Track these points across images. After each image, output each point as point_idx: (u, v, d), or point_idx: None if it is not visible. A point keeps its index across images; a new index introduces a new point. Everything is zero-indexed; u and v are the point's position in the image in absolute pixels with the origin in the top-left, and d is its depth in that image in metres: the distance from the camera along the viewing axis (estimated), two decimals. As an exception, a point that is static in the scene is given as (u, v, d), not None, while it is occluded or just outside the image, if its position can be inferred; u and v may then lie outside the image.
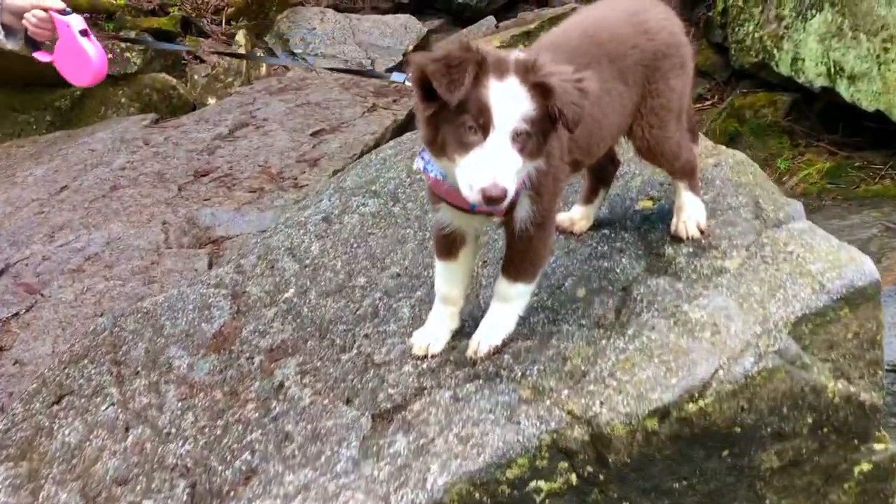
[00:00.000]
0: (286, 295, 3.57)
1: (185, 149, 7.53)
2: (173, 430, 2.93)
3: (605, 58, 2.78)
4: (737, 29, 8.75)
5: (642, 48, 2.85)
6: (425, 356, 2.87)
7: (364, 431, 2.65)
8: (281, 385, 2.99)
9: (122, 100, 8.95)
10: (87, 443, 3.01)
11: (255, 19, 10.25)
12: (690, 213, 3.04)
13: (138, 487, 2.72)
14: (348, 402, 2.82)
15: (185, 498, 2.60)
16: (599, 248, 3.11)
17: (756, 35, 8.43)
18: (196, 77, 9.16)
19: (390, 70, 9.13)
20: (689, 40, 3.00)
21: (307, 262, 3.73)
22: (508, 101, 2.35)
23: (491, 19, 11.29)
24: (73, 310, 5.62)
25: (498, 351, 2.75)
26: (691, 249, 2.96)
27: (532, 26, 9.99)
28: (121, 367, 3.41)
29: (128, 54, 8.90)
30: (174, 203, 6.67)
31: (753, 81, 8.62)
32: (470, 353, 2.78)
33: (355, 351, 3.06)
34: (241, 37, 9.59)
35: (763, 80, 8.44)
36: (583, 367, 2.58)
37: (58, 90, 9.04)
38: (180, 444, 2.84)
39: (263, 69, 8.94)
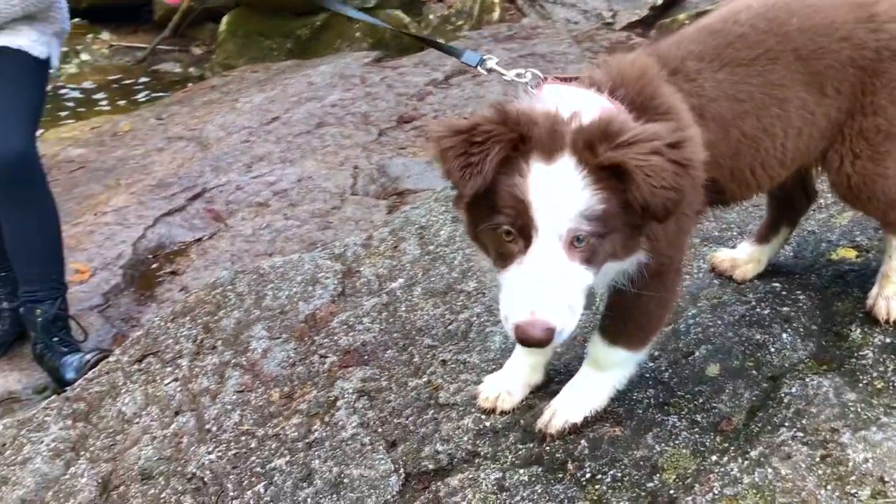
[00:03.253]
0: (393, 285, 3.12)
1: (396, 91, 7.25)
2: (214, 429, 2.60)
3: (790, 53, 1.99)
4: None
5: (859, 43, 2.00)
6: (492, 410, 2.27)
7: (388, 496, 2.13)
8: (334, 402, 2.55)
9: (357, 34, 8.85)
10: (138, 419, 2.77)
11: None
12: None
13: (151, 492, 2.41)
14: (392, 446, 2.31)
15: (179, 522, 2.25)
16: (759, 308, 2.30)
17: None
18: (431, 17, 8.84)
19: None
20: None
21: (430, 248, 3.27)
22: (557, 195, 1.65)
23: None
24: (246, 244, 5.57)
25: (575, 430, 2.09)
26: (889, 341, 2.07)
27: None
28: (207, 335, 3.14)
29: (369, -13, 8.77)
30: (370, 148, 6.42)
31: None
32: (541, 423, 2.14)
33: (426, 378, 2.54)
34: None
35: None
36: (672, 491, 1.85)
37: (301, 19, 9.15)
38: (211, 449, 2.50)
39: (496, 14, 8.41)
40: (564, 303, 1.65)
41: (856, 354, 2.06)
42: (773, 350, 2.14)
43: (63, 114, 8.71)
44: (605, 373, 2.12)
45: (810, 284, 2.36)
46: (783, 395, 2.00)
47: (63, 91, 9.12)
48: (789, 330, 2.18)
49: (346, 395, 2.57)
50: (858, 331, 2.13)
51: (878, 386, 1.96)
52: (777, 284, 2.38)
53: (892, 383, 1.95)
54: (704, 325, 2.30)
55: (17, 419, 2.99)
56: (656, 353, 2.26)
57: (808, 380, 2.01)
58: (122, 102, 8.73)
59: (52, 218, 3.75)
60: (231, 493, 2.31)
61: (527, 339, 1.64)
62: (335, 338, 2.92)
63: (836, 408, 1.91)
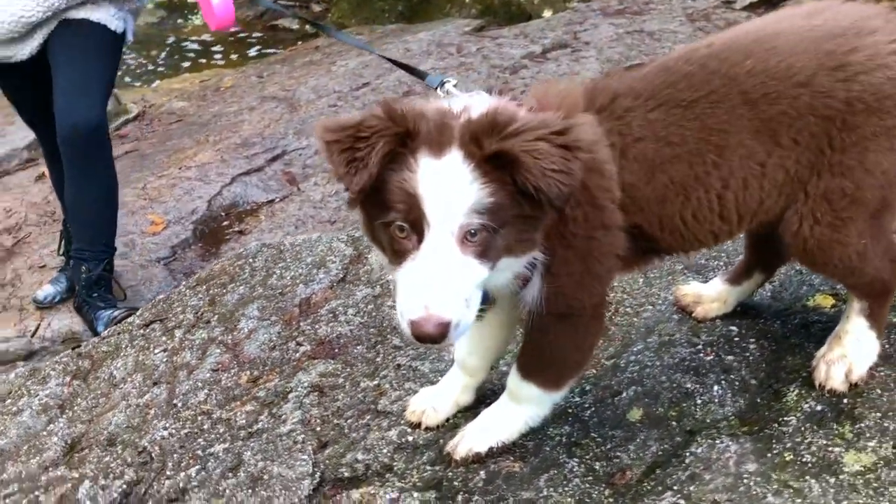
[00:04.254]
0: (390, 277, 3.12)
1: (490, 63, 7.16)
2: (179, 405, 2.71)
3: (737, 96, 1.82)
4: None
5: (822, 90, 1.81)
6: (417, 425, 2.26)
7: (296, 499, 2.17)
8: (287, 394, 2.60)
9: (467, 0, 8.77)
10: (123, 384, 2.93)
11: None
12: (847, 352, 1.96)
13: (106, 459, 2.55)
14: (322, 447, 2.34)
15: (115, 496, 2.37)
16: (704, 354, 2.17)
17: None
18: (542, -13, 8.63)
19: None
20: None
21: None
22: (446, 189, 1.60)
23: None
24: (313, 210, 5.72)
25: (479, 460, 2.05)
26: (820, 408, 1.91)
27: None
28: (209, 308, 3.27)
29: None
30: (452, 121, 6.38)
31: None
32: (449, 447, 2.12)
33: (377, 381, 2.55)
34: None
35: None
36: (536, 544, 1.79)
37: (415, -20, 9.16)
38: (168, 425, 2.61)
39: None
40: (459, 297, 1.62)
41: (781, 419, 1.90)
42: (699, 402, 2.02)
43: (185, 64, 9.13)
44: (520, 407, 2.06)
45: (770, 332, 2.20)
46: (688, 454, 1.88)
47: (185, 43, 9.55)
48: (724, 382, 2.04)
49: (299, 388, 2.61)
50: (795, 392, 1.97)
51: (787, 458, 1.81)
52: (734, 328, 2.22)
53: (801, 458, 1.79)
54: (643, 363, 2.19)
55: (29, 369, 3.23)
56: (587, 388, 2.17)
57: (718, 441, 1.88)
58: (234, 56, 9.04)
59: (112, 187, 3.98)
60: (168, 473, 2.41)
61: (421, 336, 1.61)
62: (317, 326, 2.96)
63: (731, 478, 1.78)
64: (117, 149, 6.77)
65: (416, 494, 2.03)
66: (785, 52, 1.83)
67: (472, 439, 2.08)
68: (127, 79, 8.68)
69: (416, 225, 1.62)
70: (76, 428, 2.75)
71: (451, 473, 2.06)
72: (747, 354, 2.13)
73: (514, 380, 2.04)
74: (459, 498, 1.97)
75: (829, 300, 2.26)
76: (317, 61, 7.75)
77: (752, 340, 2.17)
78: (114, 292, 4.01)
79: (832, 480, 1.72)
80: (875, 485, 1.69)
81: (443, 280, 1.61)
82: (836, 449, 1.79)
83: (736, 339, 2.19)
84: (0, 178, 6.30)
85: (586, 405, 2.12)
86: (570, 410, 2.12)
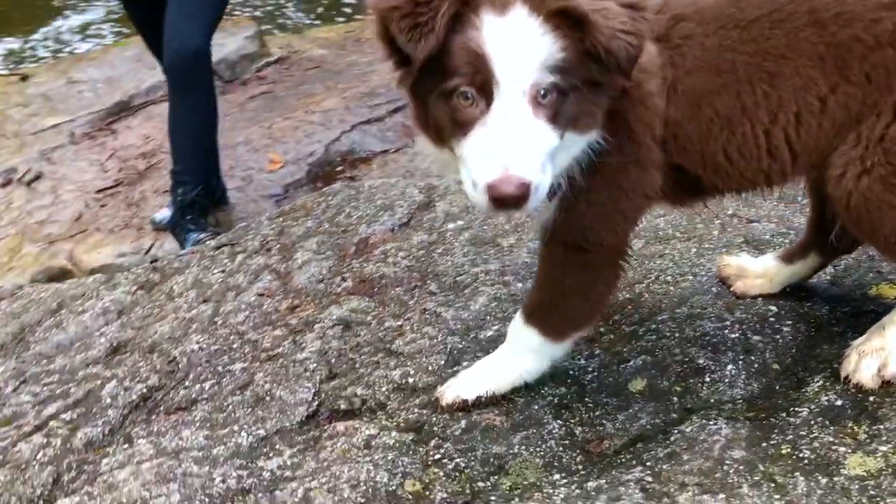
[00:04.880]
0: (450, 226, 3.09)
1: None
2: (218, 322, 2.76)
3: (804, 15, 1.61)
4: None
5: None
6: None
7: (287, 423, 2.15)
8: (314, 324, 2.59)
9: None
10: (178, 298, 3.00)
11: None
12: (888, 345, 1.71)
13: (140, 364, 2.63)
14: (330, 378, 2.31)
15: (134, 398, 2.44)
16: (728, 331, 1.96)
17: None
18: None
19: None
20: None
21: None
22: (516, 45, 1.51)
23: None
24: (424, 163, 5.70)
25: (465, 407, 1.95)
26: (840, 403, 1.67)
27: None
28: (275, 238, 3.31)
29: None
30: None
31: None
32: (438, 391, 2.03)
33: (400, 322, 2.51)
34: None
35: None
36: (493, 498, 1.68)
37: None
38: (201, 339, 2.66)
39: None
40: (536, 159, 1.52)
41: (792, 409, 1.69)
42: (708, 380, 1.82)
43: (347, 10, 9.32)
44: (517, 357, 1.95)
45: (814, 317, 1.95)
46: (676, 431, 1.70)
47: (340, -7, 9.73)
48: (741, 362, 1.83)
49: (327, 321, 2.60)
50: (819, 383, 1.74)
51: (782, 451, 1.60)
52: (773, 308, 2.00)
53: (799, 452, 1.58)
54: (662, 333, 2.01)
55: (106, 276, 3.39)
56: (597, 351, 2.02)
57: (712, 423, 1.69)
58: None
59: (212, 114, 4.10)
60: (186, 383, 2.46)
61: (503, 197, 1.50)
62: (366, 265, 2.94)
63: (710, 462, 1.59)
64: (254, 89, 7.03)
65: (393, 434, 1.96)
66: None
67: (462, 386, 1.98)
68: (279, 24, 8.97)
69: (485, 87, 1.53)
70: (126, 333, 2.86)
71: (434, 418, 1.98)
72: (777, 337, 1.90)
73: (516, 325, 1.93)
74: (432, 443, 1.89)
75: (893, 291, 1.98)
76: (459, 18, 7.69)
77: (788, 323, 1.94)
78: (208, 217, 4.15)
79: (823, 481, 1.51)
80: (873, 492, 1.46)
81: (520, 140, 1.51)
82: (842, 449, 1.56)
83: (771, 319, 1.96)
84: (146, 106, 6.66)
85: (590, 369, 1.97)
86: (571, 372, 1.98)
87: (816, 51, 1.60)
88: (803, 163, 1.72)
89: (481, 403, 1.95)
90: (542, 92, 1.51)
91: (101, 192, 5.68)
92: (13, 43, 8.79)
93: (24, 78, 7.11)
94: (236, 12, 9.20)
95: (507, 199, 1.49)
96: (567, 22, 1.49)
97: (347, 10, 9.47)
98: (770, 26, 1.62)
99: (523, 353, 1.93)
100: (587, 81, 1.54)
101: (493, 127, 1.51)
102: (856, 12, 1.57)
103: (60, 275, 5.03)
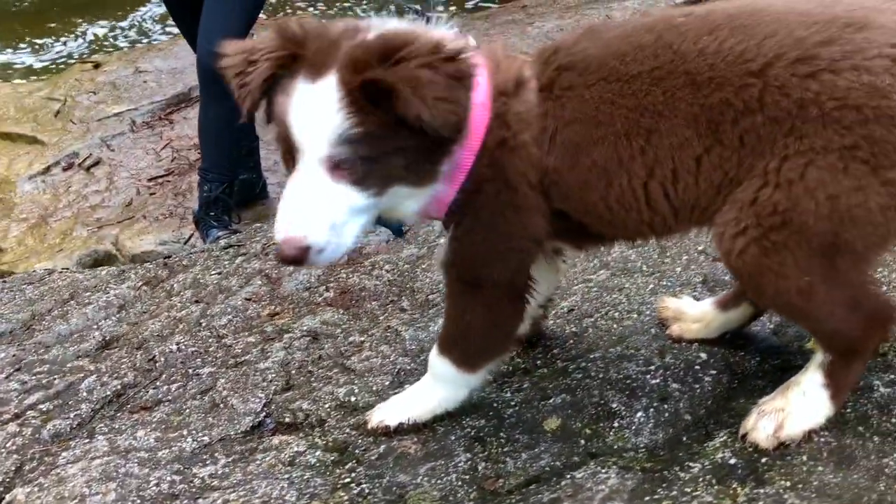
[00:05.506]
0: (441, 240, 3.11)
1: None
2: (203, 323, 2.87)
3: (681, 76, 1.60)
4: None
5: (777, 85, 1.53)
6: None
7: (232, 432, 2.25)
8: (285, 333, 2.68)
9: (694, -30, 8.24)
10: (174, 297, 3.14)
11: None
12: (788, 406, 1.68)
13: (124, 359, 2.77)
14: (285, 389, 2.40)
15: (108, 394, 2.57)
16: (651, 376, 1.95)
17: None
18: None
19: None
20: None
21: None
22: (313, 117, 1.57)
23: None
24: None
25: (388, 433, 2.01)
26: (733, 462, 1.66)
27: None
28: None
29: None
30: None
31: None
32: (367, 414, 2.09)
33: (364, 338, 2.55)
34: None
35: None
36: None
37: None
38: (181, 340, 2.78)
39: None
40: (323, 222, 1.61)
41: (688, 463, 1.67)
42: (616, 425, 1.83)
43: (417, 7, 9.38)
44: (436, 387, 2.00)
45: (742, 368, 1.93)
46: (569, 476, 1.71)
47: (413, -10, 9.79)
48: (653, 410, 1.83)
49: (298, 331, 2.68)
50: (722, 438, 1.72)
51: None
52: (703, 356, 1.98)
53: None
54: (588, 372, 2.01)
55: (118, 269, 3.56)
56: (525, 385, 2.04)
57: (603, 471, 1.69)
58: (453, 8, 9.16)
59: (238, 117, 4.23)
60: (157, 383, 2.58)
61: (281, 257, 1.64)
62: (352, 276, 3.02)
63: (584, 511, 1.60)
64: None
65: (318, 453, 2.03)
66: (750, 33, 1.56)
67: (387, 411, 2.03)
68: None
69: (291, 150, 1.63)
70: (121, 328, 3.01)
71: (360, 440, 2.04)
72: (697, 387, 1.88)
73: (433, 355, 1.98)
74: (348, 466, 1.95)
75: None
76: (517, 21, 7.66)
77: (712, 373, 1.91)
78: (231, 214, 4.30)
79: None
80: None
81: (303, 204, 1.60)
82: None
83: (697, 367, 1.94)
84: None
85: (513, 403, 1.99)
86: (494, 404, 2.00)
87: (692, 111, 1.59)
88: (685, 218, 1.71)
89: (403, 430, 1.99)
90: (342, 161, 1.58)
91: (152, 181, 5.92)
92: (101, 28, 9.16)
93: (97, 66, 7.44)
94: (300, 11, 9.40)
95: (286, 258, 1.61)
96: (376, 92, 1.52)
97: (417, 6, 9.53)
98: (650, 83, 1.61)
99: (441, 383, 1.98)
100: (408, 146, 1.59)
101: (289, 190, 1.62)
102: (727, 77, 1.56)
103: (105, 259, 5.29)
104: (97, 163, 6.21)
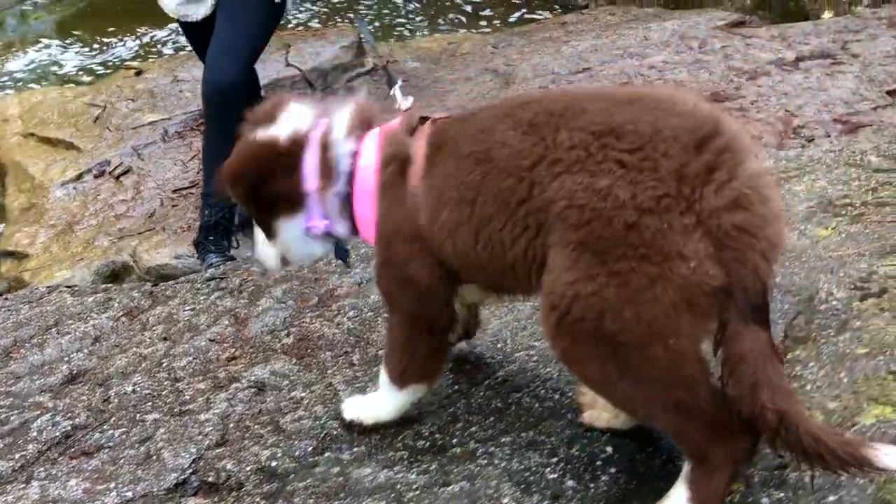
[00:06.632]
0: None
1: (730, 64, 6.56)
2: (164, 364, 2.92)
3: (488, 163, 1.81)
4: None
5: (535, 184, 1.71)
6: None
7: (156, 489, 2.27)
8: (232, 382, 2.70)
9: (744, -11, 8.01)
10: (146, 332, 3.19)
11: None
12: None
13: (84, 396, 2.83)
14: (219, 445, 2.41)
15: (57, 434, 2.63)
16: (551, 469, 1.90)
17: None
18: (831, -19, 7.63)
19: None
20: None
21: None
22: None
23: None
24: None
25: (348, 427, 2.27)
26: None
27: None
28: (259, 279, 3.44)
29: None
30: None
31: None
32: (343, 403, 2.35)
33: (304, 394, 2.55)
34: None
35: None
36: None
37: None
38: (140, 381, 2.82)
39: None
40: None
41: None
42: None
43: (461, 18, 9.35)
44: (383, 394, 2.21)
45: (645, 467, 1.86)
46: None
47: (459, 1, 9.76)
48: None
49: (245, 381, 2.70)
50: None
51: None
52: (610, 449, 1.91)
53: None
54: (493, 458, 1.98)
55: (105, 297, 3.63)
56: (432, 466, 2.01)
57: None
58: (497, 22, 9.10)
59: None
60: (105, 426, 2.62)
61: None
62: (315, 322, 3.02)
63: None
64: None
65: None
66: (539, 132, 1.72)
67: (349, 405, 2.29)
68: (392, 29, 9.11)
69: None
70: (90, 362, 3.07)
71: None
72: (592, 486, 1.82)
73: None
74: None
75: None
76: (554, 38, 7.57)
77: (612, 470, 1.85)
78: (230, 239, 4.34)
79: None
80: None
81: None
82: None
83: (599, 462, 1.88)
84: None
85: (415, 486, 1.96)
86: (398, 486, 1.98)
87: (493, 192, 1.77)
88: (529, 279, 1.80)
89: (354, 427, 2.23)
90: None
91: (176, 192, 6.03)
92: (155, 34, 9.34)
93: (139, 73, 7.61)
94: (350, 16, 9.44)
95: None
96: None
97: (462, 17, 9.50)
98: (474, 163, 1.81)
99: (384, 391, 2.18)
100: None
101: None
102: (508, 167, 1.73)
103: (122, 271, 5.41)
104: (127, 171, 6.35)
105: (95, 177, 6.37)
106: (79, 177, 6.38)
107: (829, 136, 5.63)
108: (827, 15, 7.37)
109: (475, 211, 1.79)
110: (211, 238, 4.26)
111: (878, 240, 2.60)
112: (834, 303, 2.33)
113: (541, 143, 1.69)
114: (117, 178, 6.31)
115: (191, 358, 2.93)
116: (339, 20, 9.28)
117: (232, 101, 4.12)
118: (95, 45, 9.26)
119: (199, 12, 4.31)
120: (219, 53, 4.14)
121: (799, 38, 6.76)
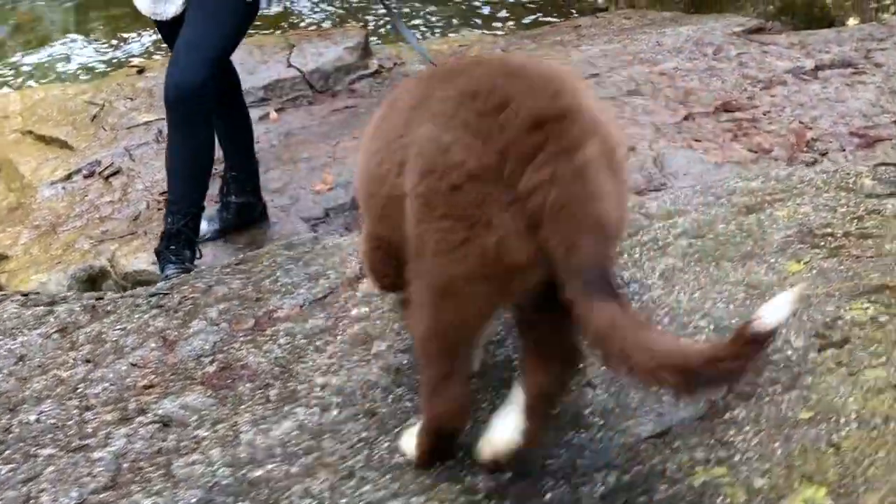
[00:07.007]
0: (355, 312, 2.87)
1: (744, 72, 6.27)
2: (79, 389, 2.72)
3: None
4: None
5: (410, 124, 1.80)
6: None
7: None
8: (136, 417, 2.49)
9: (769, -7, 7.67)
10: (73, 351, 3.01)
11: None
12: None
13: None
14: (106, 489, 2.20)
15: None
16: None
17: None
18: (858, -13, 7.25)
19: None
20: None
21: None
22: None
23: None
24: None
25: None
26: None
27: None
28: (200, 296, 3.24)
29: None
30: (663, 131, 5.71)
31: None
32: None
33: (206, 435, 2.34)
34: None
35: None
36: None
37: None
38: (47, 410, 2.63)
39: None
40: None
41: None
42: None
43: (477, 21, 9.11)
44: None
45: None
46: None
47: (476, 3, 9.52)
48: None
49: (151, 415, 2.49)
50: None
51: None
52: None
53: None
54: None
55: (46, 310, 3.45)
56: None
57: None
58: (511, 24, 8.85)
59: (207, 149, 4.09)
60: (-2, 460, 2.44)
61: None
62: (244, 347, 2.82)
63: None
64: (340, 102, 7.00)
65: None
66: (431, 83, 1.83)
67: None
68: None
69: None
70: (7, 384, 2.88)
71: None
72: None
73: None
74: None
75: None
76: (566, 42, 7.29)
77: None
78: (193, 249, 4.15)
79: None
80: None
81: None
82: None
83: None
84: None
85: None
86: None
87: (384, 130, 1.92)
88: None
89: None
90: None
91: (163, 195, 5.87)
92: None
93: (141, 70, 7.49)
94: (359, 14, 9.25)
95: None
96: None
97: (478, 20, 9.25)
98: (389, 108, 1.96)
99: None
100: None
101: None
102: (400, 108, 1.85)
103: (100, 276, 5.26)
104: (117, 172, 6.20)
105: (85, 177, 6.24)
106: (68, 177, 6.25)
107: (843, 150, 5.30)
108: (853, 21, 6.99)
109: (370, 147, 1.93)
110: (172, 248, 4.07)
111: (851, 278, 2.30)
112: (789, 352, 2.06)
113: (427, 93, 1.76)
114: (106, 178, 6.17)
115: (107, 384, 2.74)
116: (353, 22, 9.07)
117: (195, 105, 3.93)
118: (113, 42, 9.18)
119: (168, 11, 4.12)
120: (182, 54, 3.95)
121: (819, 46, 6.42)
